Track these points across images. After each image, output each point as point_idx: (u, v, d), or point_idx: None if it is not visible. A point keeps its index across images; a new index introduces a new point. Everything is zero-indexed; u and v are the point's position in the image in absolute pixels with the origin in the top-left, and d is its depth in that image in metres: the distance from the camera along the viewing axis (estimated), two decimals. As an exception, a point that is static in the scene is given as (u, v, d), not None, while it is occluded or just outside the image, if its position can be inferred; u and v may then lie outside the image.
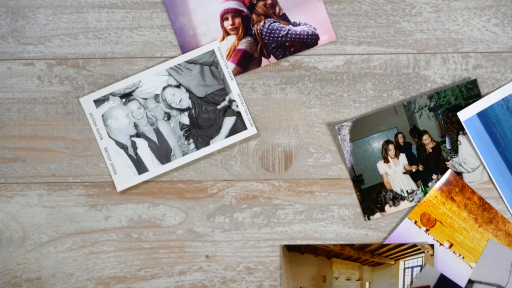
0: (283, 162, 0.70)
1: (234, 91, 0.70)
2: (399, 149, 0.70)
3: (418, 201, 0.70)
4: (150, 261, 0.70)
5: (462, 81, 0.70)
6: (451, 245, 0.69)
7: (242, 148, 0.70)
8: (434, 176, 0.70)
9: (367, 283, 0.69)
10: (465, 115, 0.69)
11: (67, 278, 0.70)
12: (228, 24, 0.71)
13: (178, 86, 0.70)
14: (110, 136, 0.70)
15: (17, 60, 0.70)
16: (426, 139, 0.70)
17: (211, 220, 0.70)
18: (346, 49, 0.71)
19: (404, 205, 0.70)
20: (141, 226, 0.70)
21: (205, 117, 0.70)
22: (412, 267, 0.69)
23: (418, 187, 0.70)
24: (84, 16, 0.71)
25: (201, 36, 0.71)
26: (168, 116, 0.70)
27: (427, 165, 0.70)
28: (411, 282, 0.69)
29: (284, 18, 0.71)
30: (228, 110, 0.70)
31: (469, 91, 0.70)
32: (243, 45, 0.71)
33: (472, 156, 0.70)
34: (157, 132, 0.70)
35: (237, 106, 0.70)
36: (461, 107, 0.69)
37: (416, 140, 0.70)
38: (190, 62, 0.70)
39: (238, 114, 0.70)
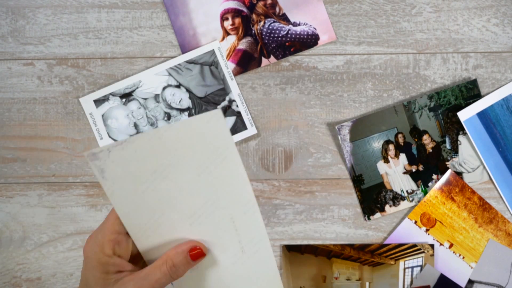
0: (283, 162, 0.70)
1: (234, 91, 0.70)
2: (399, 149, 0.70)
3: (418, 201, 0.70)
4: (150, 261, 0.70)
5: (462, 81, 0.70)
6: (451, 245, 0.69)
7: (242, 148, 0.70)
8: (434, 176, 0.70)
9: (367, 283, 0.69)
10: (465, 115, 0.69)
11: (67, 278, 0.70)
12: (228, 24, 0.71)
13: (178, 86, 0.70)
14: (110, 136, 0.70)
15: (17, 60, 0.70)
16: (426, 139, 0.70)
17: (211, 220, 0.70)
18: (346, 49, 0.71)
19: (404, 205, 0.70)
20: (141, 226, 0.70)
21: None
22: (412, 267, 0.69)
23: (418, 187, 0.70)
24: (84, 16, 0.71)
25: (201, 36, 0.71)
26: (168, 116, 0.70)
27: (427, 165, 0.70)
28: (411, 282, 0.69)
29: (284, 18, 0.71)
30: (228, 110, 0.70)
31: (469, 91, 0.70)
32: (243, 45, 0.71)
33: (472, 156, 0.70)
34: None
35: (237, 106, 0.70)
36: (461, 107, 0.69)
37: (416, 140, 0.70)
38: (190, 62, 0.70)
39: (238, 114, 0.70)
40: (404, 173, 0.70)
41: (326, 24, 0.71)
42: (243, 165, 0.43)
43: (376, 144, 0.70)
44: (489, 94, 0.70)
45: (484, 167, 0.70)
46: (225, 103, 0.70)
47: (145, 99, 0.70)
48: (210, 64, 0.70)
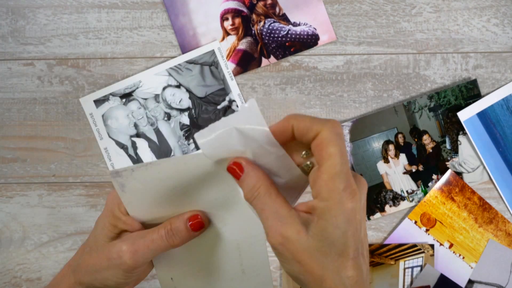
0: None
1: (234, 91, 0.70)
2: (399, 149, 0.70)
3: (418, 201, 0.70)
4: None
5: (462, 81, 0.70)
6: (451, 245, 0.69)
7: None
8: (434, 176, 0.70)
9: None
10: (465, 115, 0.69)
11: (67, 278, 0.70)
12: (228, 24, 0.71)
13: (178, 86, 0.70)
14: (110, 136, 0.70)
15: (17, 60, 0.70)
16: (426, 139, 0.70)
17: (211, 220, 0.70)
18: (346, 49, 0.71)
19: (404, 205, 0.70)
20: (141, 226, 0.70)
21: (205, 117, 0.70)
22: (412, 267, 0.69)
23: (418, 187, 0.70)
24: (84, 16, 0.71)
25: (201, 36, 0.71)
26: (168, 116, 0.70)
27: (427, 165, 0.70)
28: (411, 282, 0.69)
29: (284, 18, 0.71)
30: (228, 110, 0.70)
31: (469, 91, 0.70)
32: (243, 45, 0.71)
33: (472, 156, 0.70)
34: (157, 132, 0.70)
35: (237, 106, 0.70)
36: (461, 107, 0.69)
37: (416, 140, 0.70)
38: (190, 62, 0.70)
39: None
40: (404, 173, 0.70)
41: (326, 24, 0.71)
42: None
43: (376, 144, 0.70)
44: (489, 94, 0.70)
45: (484, 167, 0.70)
46: (225, 103, 0.70)
47: (145, 99, 0.70)
48: (210, 64, 0.70)
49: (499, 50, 0.71)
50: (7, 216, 0.70)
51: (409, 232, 0.69)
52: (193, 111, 0.70)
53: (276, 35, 0.71)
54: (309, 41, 0.70)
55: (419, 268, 0.69)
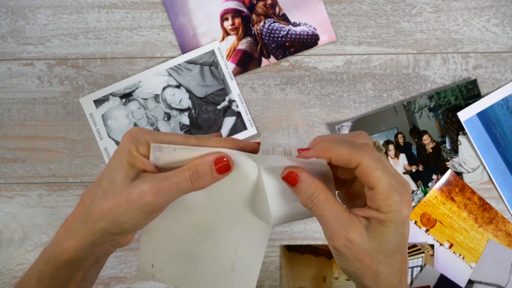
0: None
1: (234, 91, 0.70)
2: (399, 149, 0.70)
3: (418, 201, 0.70)
4: (150, 261, 0.70)
5: (462, 81, 0.70)
6: (451, 245, 0.69)
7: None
8: (434, 176, 0.70)
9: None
10: (465, 115, 0.69)
11: (67, 278, 0.70)
12: (228, 24, 0.71)
13: (178, 86, 0.70)
14: (110, 136, 0.70)
15: (17, 60, 0.70)
16: (426, 139, 0.70)
17: (211, 220, 0.70)
18: (346, 49, 0.71)
19: (404, 205, 0.70)
20: (141, 226, 0.70)
21: (205, 117, 0.70)
22: (412, 267, 0.69)
23: (418, 187, 0.70)
24: (84, 16, 0.71)
25: (201, 36, 0.71)
26: (168, 116, 0.70)
27: (427, 165, 0.70)
28: (411, 282, 0.69)
29: (284, 18, 0.71)
30: (228, 110, 0.70)
31: (469, 91, 0.70)
32: (243, 45, 0.71)
33: (472, 156, 0.70)
34: None
35: (237, 106, 0.70)
36: (461, 107, 0.69)
37: (416, 140, 0.70)
38: (190, 62, 0.70)
39: (238, 114, 0.70)
40: (404, 173, 0.70)
41: (326, 24, 0.71)
42: (271, 216, 0.43)
43: (376, 144, 0.70)
44: (489, 94, 0.70)
45: (484, 167, 0.70)
46: (225, 103, 0.70)
47: (145, 99, 0.70)
48: (210, 64, 0.70)
49: (499, 50, 0.71)
50: (7, 216, 0.70)
51: (409, 232, 0.69)
52: (193, 111, 0.70)
53: (276, 35, 0.71)
54: (309, 41, 0.70)
55: (419, 268, 0.69)
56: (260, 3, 0.71)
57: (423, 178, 0.70)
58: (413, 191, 0.70)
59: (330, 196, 0.43)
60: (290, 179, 0.43)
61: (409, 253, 0.69)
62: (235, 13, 0.71)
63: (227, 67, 0.70)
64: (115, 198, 0.43)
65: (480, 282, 0.69)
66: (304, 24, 0.71)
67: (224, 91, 0.70)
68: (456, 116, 0.69)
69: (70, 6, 0.71)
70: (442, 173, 0.70)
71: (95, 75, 0.71)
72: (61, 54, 0.70)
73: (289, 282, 0.69)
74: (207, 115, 0.70)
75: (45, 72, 0.70)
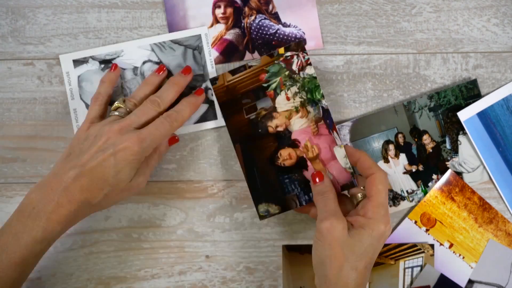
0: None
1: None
2: (399, 149, 0.70)
3: (418, 201, 0.70)
4: (150, 261, 0.70)
5: (462, 81, 0.70)
6: (451, 245, 0.69)
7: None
8: (434, 176, 0.70)
9: (367, 283, 0.69)
10: (465, 115, 0.69)
11: (67, 278, 0.70)
12: (219, 12, 0.71)
13: (158, 63, 0.70)
14: (81, 98, 0.70)
15: (17, 60, 0.70)
16: (426, 139, 0.70)
17: (211, 220, 0.70)
18: (346, 49, 0.71)
19: (404, 205, 0.70)
20: (141, 226, 0.70)
21: (179, 100, 0.69)
22: (412, 267, 0.69)
23: (418, 187, 0.70)
24: (84, 16, 0.71)
25: (191, 19, 0.70)
26: None
27: (427, 165, 0.70)
28: (411, 282, 0.69)
29: (275, 17, 0.71)
30: None
31: (469, 91, 0.70)
32: (230, 35, 0.71)
33: (472, 156, 0.70)
34: None
35: (212, 95, 0.70)
36: (461, 107, 0.69)
37: (416, 140, 0.70)
38: (175, 42, 0.70)
39: (211, 103, 0.70)
40: (404, 173, 0.70)
41: (316, 30, 0.70)
42: None
43: (376, 144, 0.70)
44: (489, 94, 0.70)
45: (484, 167, 0.70)
46: None
47: (124, 69, 0.70)
48: (194, 48, 0.70)
49: (499, 50, 0.71)
50: (7, 216, 0.70)
51: (409, 232, 0.69)
52: None
53: (264, 32, 0.71)
54: (296, 44, 0.70)
55: (419, 268, 0.69)
56: (255, -3, 0.71)
57: (423, 178, 0.70)
58: (413, 191, 0.70)
59: (336, 199, 0.59)
60: (314, 177, 0.61)
61: (409, 253, 0.69)
62: (229, 2, 0.71)
63: (210, 54, 0.70)
64: (121, 192, 0.59)
65: (480, 282, 0.69)
66: (294, 26, 0.71)
67: (202, 77, 0.70)
68: (456, 116, 0.69)
69: (70, 5, 0.71)
70: (442, 173, 0.70)
71: (95, 75, 0.70)
72: (61, 53, 0.70)
73: (289, 282, 0.69)
74: (181, 97, 0.69)
75: (45, 72, 0.70)
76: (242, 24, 0.71)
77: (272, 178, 0.66)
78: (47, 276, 0.70)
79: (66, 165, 0.57)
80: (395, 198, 0.70)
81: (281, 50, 0.66)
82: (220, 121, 0.70)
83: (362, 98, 0.71)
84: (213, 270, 0.70)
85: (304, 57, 0.66)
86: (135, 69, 0.70)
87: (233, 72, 0.67)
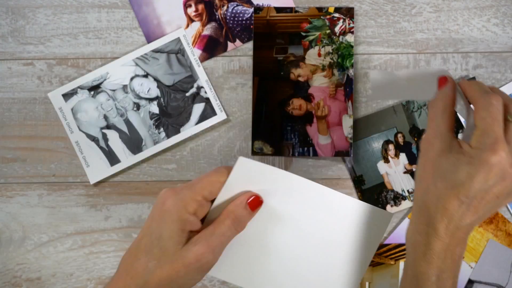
0: (283, 162, 0.70)
1: (202, 78, 0.70)
2: (399, 148, 0.70)
3: (418, 201, 0.69)
4: (150, 261, 0.70)
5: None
6: (451, 245, 0.69)
7: (242, 148, 0.70)
8: (434, 176, 0.70)
9: (367, 283, 0.69)
10: (465, 115, 0.69)
11: (67, 278, 0.70)
12: (191, 11, 0.71)
13: (146, 75, 0.70)
14: (80, 130, 0.70)
15: (17, 60, 0.70)
16: (426, 138, 0.70)
17: (211, 220, 0.70)
18: (346, 49, 0.71)
19: (405, 204, 0.70)
20: (141, 226, 0.70)
21: (174, 105, 0.70)
22: (412, 267, 0.69)
23: (418, 187, 0.70)
24: (84, 16, 0.71)
25: (166, 25, 0.71)
26: (137, 106, 0.70)
27: (427, 165, 0.70)
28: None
29: (247, 1, 0.71)
30: (196, 97, 0.70)
31: (469, 91, 0.70)
32: (208, 30, 0.71)
33: (472, 156, 0.70)
34: (127, 122, 0.70)
35: (205, 92, 0.70)
36: (461, 107, 0.69)
37: (416, 139, 0.70)
38: (156, 51, 0.70)
39: (207, 101, 0.70)
40: (405, 172, 0.70)
41: (289, 3, 0.70)
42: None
43: (376, 144, 0.70)
44: (489, 94, 0.70)
45: (484, 167, 0.69)
46: (193, 90, 0.70)
47: (114, 90, 0.70)
48: (176, 52, 0.70)
49: (499, 50, 0.71)
50: (7, 216, 0.70)
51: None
52: (162, 99, 0.70)
53: (240, 19, 0.71)
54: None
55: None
56: (221, -13, 0.71)
57: (423, 178, 0.70)
58: (414, 190, 0.70)
59: (450, 112, 0.48)
60: (442, 81, 0.49)
61: (409, 253, 0.69)
62: (198, -1, 0.71)
63: (194, 53, 0.70)
64: (172, 266, 0.45)
65: (480, 282, 0.69)
66: (267, 6, 0.71)
67: (191, 78, 0.70)
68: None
69: (70, 5, 0.71)
70: (442, 173, 0.70)
71: (95, 75, 0.71)
72: (61, 53, 0.70)
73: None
74: (176, 103, 0.70)
75: (45, 72, 0.70)
76: (217, 17, 0.71)
77: (276, 121, 0.68)
78: (47, 276, 0.70)
79: None
80: (396, 198, 0.70)
81: (331, 9, 0.68)
82: (221, 115, 0.70)
83: (362, 98, 0.71)
84: (213, 270, 0.70)
85: (349, 24, 0.68)
86: (124, 87, 0.70)
87: (278, 9, 0.69)
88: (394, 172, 0.70)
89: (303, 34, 0.69)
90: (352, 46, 0.69)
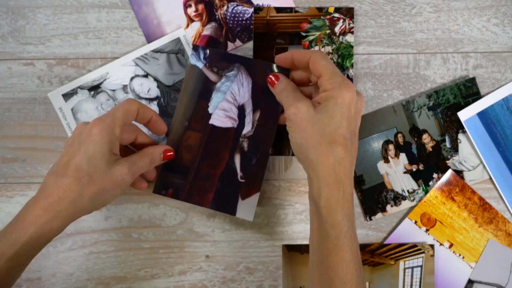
0: (283, 162, 0.70)
1: None
2: (399, 148, 0.70)
3: (419, 200, 0.69)
4: (150, 261, 0.70)
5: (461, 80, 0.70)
6: (451, 245, 0.69)
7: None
8: (435, 175, 0.70)
9: (367, 283, 0.69)
10: (465, 115, 0.69)
11: (67, 278, 0.70)
12: (191, 11, 0.71)
13: (146, 75, 0.70)
14: None
15: (17, 60, 0.70)
16: (425, 138, 0.70)
17: (211, 220, 0.70)
18: (346, 49, 0.71)
19: (405, 204, 0.70)
20: (141, 226, 0.70)
21: (174, 105, 0.70)
22: (412, 267, 0.69)
23: (419, 186, 0.70)
24: (84, 16, 0.71)
25: (166, 25, 0.71)
26: None
27: (428, 164, 0.70)
28: (411, 283, 0.68)
29: (247, 1, 0.71)
30: None
31: (468, 89, 0.70)
32: (208, 30, 0.71)
33: (472, 154, 0.70)
34: None
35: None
36: (460, 105, 0.69)
37: (415, 139, 0.70)
38: (156, 51, 0.70)
39: None
40: (405, 172, 0.70)
41: (289, 4, 0.70)
42: None
43: (376, 144, 0.70)
44: (489, 94, 0.70)
45: (485, 167, 0.70)
46: None
47: (114, 90, 0.70)
48: (176, 52, 0.70)
49: (499, 50, 0.71)
50: (7, 216, 0.70)
51: (409, 232, 0.69)
52: (162, 99, 0.70)
53: (240, 19, 0.71)
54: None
55: (419, 268, 0.69)
56: (221, -13, 0.71)
57: (423, 177, 0.70)
58: (414, 190, 0.70)
59: (296, 89, 0.58)
60: (270, 81, 0.60)
61: (409, 253, 0.69)
62: (198, -1, 0.71)
63: None
64: (103, 181, 0.54)
65: (480, 282, 0.69)
66: (267, 6, 0.71)
67: None
68: (455, 114, 0.69)
69: (70, 5, 0.71)
70: (443, 171, 0.70)
71: (95, 75, 0.71)
72: (61, 54, 0.71)
73: (289, 282, 0.69)
74: (176, 103, 0.70)
75: (45, 72, 0.70)
76: (217, 17, 0.71)
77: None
78: (47, 276, 0.70)
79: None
80: (396, 198, 0.70)
81: (331, 9, 0.68)
82: None
83: (362, 98, 0.71)
84: (213, 270, 0.70)
85: (349, 24, 0.69)
86: (124, 87, 0.70)
87: (278, 9, 0.69)
88: (394, 172, 0.70)
89: (303, 34, 0.69)
90: (352, 46, 0.69)
